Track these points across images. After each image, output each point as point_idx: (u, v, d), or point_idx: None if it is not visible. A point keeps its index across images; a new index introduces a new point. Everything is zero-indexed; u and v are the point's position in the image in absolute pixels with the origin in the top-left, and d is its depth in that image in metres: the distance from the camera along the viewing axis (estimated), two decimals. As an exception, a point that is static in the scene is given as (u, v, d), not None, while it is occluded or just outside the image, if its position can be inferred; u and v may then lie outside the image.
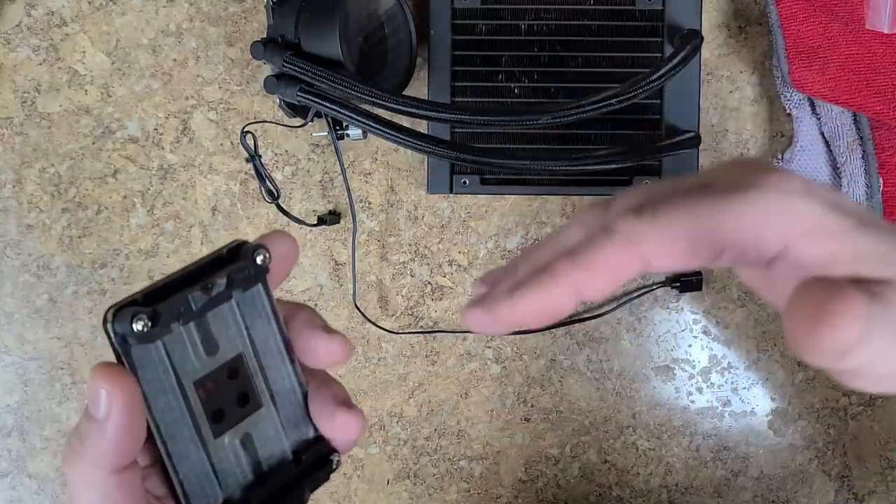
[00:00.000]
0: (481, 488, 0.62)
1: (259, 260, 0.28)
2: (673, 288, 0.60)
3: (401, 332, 0.61)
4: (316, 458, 0.30)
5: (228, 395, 0.28)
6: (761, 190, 0.26)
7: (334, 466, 0.30)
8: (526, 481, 0.61)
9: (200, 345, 0.27)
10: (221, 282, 0.27)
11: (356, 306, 0.60)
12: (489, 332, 0.27)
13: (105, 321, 0.26)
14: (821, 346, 0.24)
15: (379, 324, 0.60)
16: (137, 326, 0.25)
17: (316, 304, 0.61)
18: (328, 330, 0.30)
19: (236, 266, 0.27)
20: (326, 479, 0.30)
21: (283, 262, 0.29)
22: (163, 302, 0.26)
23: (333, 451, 0.30)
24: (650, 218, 0.26)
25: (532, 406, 0.61)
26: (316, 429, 0.30)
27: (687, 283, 0.59)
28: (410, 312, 0.61)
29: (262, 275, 0.28)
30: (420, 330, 0.61)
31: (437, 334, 0.61)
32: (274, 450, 0.29)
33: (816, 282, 0.25)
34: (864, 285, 0.25)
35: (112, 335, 0.26)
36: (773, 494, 0.61)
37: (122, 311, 0.25)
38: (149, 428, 0.27)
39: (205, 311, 0.27)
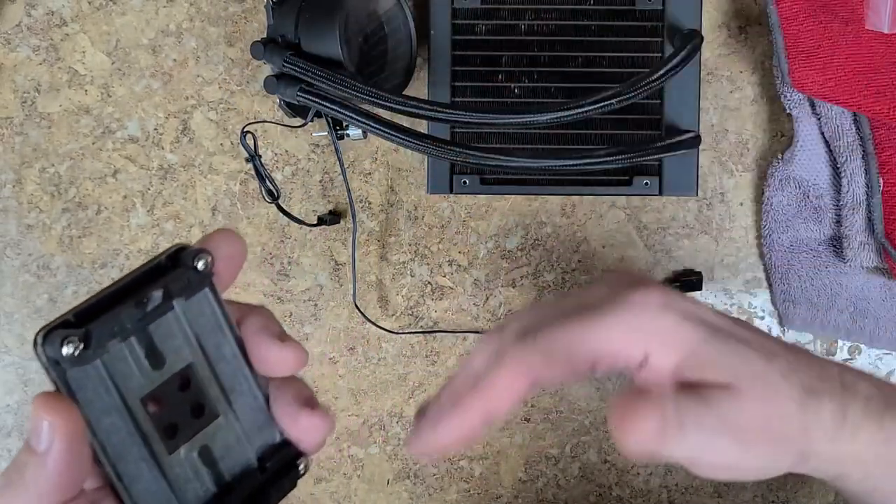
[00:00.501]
0: (481, 488, 0.62)
1: (200, 266, 0.26)
2: (674, 288, 0.60)
3: (401, 332, 0.61)
4: (282, 464, 0.29)
5: (181, 407, 0.27)
6: (625, 307, 0.31)
7: (301, 472, 0.29)
8: (526, 481, 0.61)
9: (145, 359, 0.26)
10: (157, 294, 0.25)
11: (356, 306, 0.60)
12: (428, 457, 0.32)
13: (35, 344, 0.24)
14: (622, 441, 0.29)
15: (379, 324, 0.60)
16: (68, 350, 0.24)
17: (316, 304, 0.61)
18: (281, 337, 0.29)
19: (174, 275, 0.26)
20: (293, 485, 0.29)
21: (230, 263, 0.28)
22: (95, 320, 0.24)
23: (300, 454, 0.29)
24: (532, 343, 0.30)
25: (532, 406, 0.61)
26: (281, 432, 0.29)
27: (687, 282, 0.59)
28: (410, 312, 0.61)
29: (206, 280, 0.26)
30: (420, 330, 0.61)
31: (437, 334, 0.61)
32: (237, 459, 0.28)
33: (635, 388, 0.30)
34: (692, 389, 0.30)
35: (44, 360, 0.24)
36: (772, 494, 0.61)
37: (52, 333, 0.24)
38: (95, 451, 0.25)
39: (143, 325, 0.25)
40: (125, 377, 0.25)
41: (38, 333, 0.24)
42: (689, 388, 0.31)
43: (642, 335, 0.31)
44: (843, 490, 0.36)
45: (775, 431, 0.31)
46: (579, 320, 0.31)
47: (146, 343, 0.26)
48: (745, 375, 0.31)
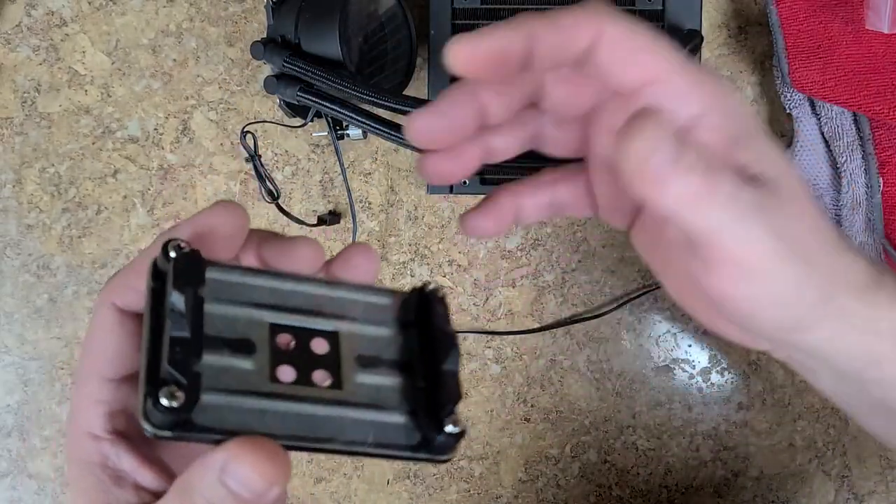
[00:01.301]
0: (481, 488, 0.62)
1: (172, 254, 0.25)
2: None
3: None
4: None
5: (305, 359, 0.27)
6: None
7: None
8: (526, 481, 0.61)
9: (232, 345, 0.26)
10: (175, 299, 0.24)
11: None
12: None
13: (148, 424, 0.23)
14: (658, 191, 0.24)
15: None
16: (170, 402, 0.23)
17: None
18: (290, 239, 0.29)
19: (171, 273, 0.25)
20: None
21: (224, 232, 0.28)
22: (175, 368, 0.24)
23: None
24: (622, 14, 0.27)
25: (532, 406, 0.61)
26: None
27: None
28: (410, 312, 0.61)
29: (196, 263, 0.25)
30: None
31: (437, 334, 0.61)
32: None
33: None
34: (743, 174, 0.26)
35: (156, 424, 0.23)
36: (773, 494, 0.61)
37: (154, 409, 0.23)
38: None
39: (197, 332, 0.25)
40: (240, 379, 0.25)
41: (142, 417, 0.23)
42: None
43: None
44: (876, 382, 0.29)
45: (812, 248, 0.26)
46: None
47: (221, 337, 0.26)
48: (785, 176, 0.27)
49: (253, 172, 0.58)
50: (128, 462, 0.27)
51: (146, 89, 0.60)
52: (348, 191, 0.57)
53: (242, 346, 0.26)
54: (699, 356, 0.60)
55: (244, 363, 0.26)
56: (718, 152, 0.27)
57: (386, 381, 0.28)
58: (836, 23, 0.54)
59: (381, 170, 0.60)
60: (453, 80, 0.56)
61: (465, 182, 0.57)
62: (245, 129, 0.56)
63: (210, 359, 0.25)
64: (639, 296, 0.60)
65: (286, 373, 0.26)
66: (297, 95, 0.51)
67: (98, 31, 0.60)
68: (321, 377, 0.27)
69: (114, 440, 0.27)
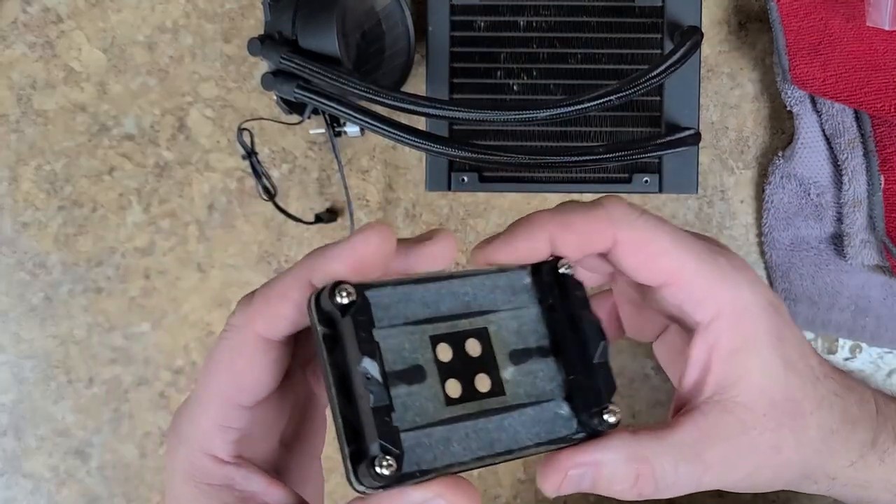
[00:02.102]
0: (480, 488, 0.61)
1: (344, 300, 0.25)
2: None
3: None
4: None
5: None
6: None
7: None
8: (525, 481, 0.61)
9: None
10: (368, 366, 0.24)
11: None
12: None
13: (359, 485, 0.24)
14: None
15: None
16: (389, 472, 0.24)
17: (313, 303, 0.61)
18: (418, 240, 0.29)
19: (353, 335, 0.25)
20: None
21: (378, 262, 0.27)
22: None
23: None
24: (639, 213, 0.29)
25: (531, 405, 0.61)
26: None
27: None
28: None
29: (366, 310, 0.25)
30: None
31: (435, 333, 0.60)
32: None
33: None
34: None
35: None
36: (773, 494, 0.60)
37: (368, 474, 0.24)
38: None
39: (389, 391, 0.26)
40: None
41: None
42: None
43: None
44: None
45: (784, 459, 0.30)
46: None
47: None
48: (761, 403, 0.29)
49: (250, 170, 0.58)
50: (258, 484, 0.28)
51: (142, 86, 0.60)
52: (346, 188, 0.57)
53: (416, 375, 0.26)
54: (699, 355, 0.60)
55: (421, 392, 0.26)
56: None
57: (539, 369, 0.28)
58: (836, 19, 0.53)
59: (379, 167, 0.59)
60: (452, 77, 0.56)
61: (463, 180, 0.56)
62: (242, 127, 0.56)
63: (395, 398, 0.25)
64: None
65: (453, 388, 0.27)
66: (295, 92, 0.51)
67: (94, 27, 0.59)
68: (482, 383, 0.27)
69: (239, 464, 0.28)
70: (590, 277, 0.33)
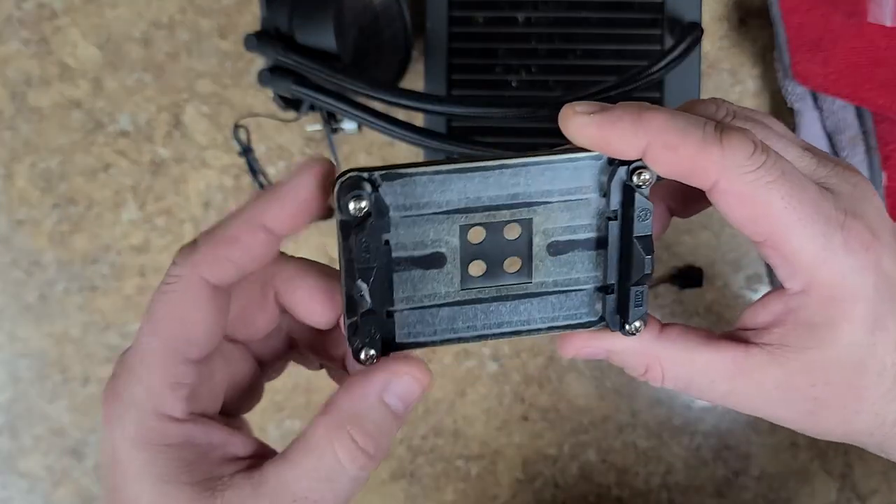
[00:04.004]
0: (478, 488, 0.61)
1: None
2: (673, 285, 0.59)
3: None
4: None
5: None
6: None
7: None
8: (524, 481, 0.61)
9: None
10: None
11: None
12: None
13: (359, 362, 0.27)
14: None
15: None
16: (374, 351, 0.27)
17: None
18: None
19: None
20: None
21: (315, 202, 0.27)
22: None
23: None
24: (763, 159, 0.26)
25: (530, 405, 0.60)
26: None
27: (687, 279, 0.59)
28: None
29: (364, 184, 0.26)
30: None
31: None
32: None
33: None
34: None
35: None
36: (774, 494, 0.60)
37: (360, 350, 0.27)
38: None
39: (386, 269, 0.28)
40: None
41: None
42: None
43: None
44: None
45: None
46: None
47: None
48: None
49: (246, 167, 0.57)
50: (218, 436, 0.27)
51: (138, 83, 0.59)
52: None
53: (434, 262, 0.28)
54: (699, 354, 0.60)
55: (436, 277, 0.28)
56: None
57: (577, 261, 0.29)
58: (838, 16, 0.53)
59: (377, 163, 0.59)
60: (450, 74, 0.56)
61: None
62: (238, 124, 0.56)
63: (403, 278, 0.27)
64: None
65: (476, 268, 0.28)
66: (291, 88, 0.50)
67: (89, 23, 0.59)
68: (511, 264, 0.28)
69: (195, 419, 0.27)
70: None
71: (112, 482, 0.26)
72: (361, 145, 0.59)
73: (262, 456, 0.28)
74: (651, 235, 0.27)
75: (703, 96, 0.57)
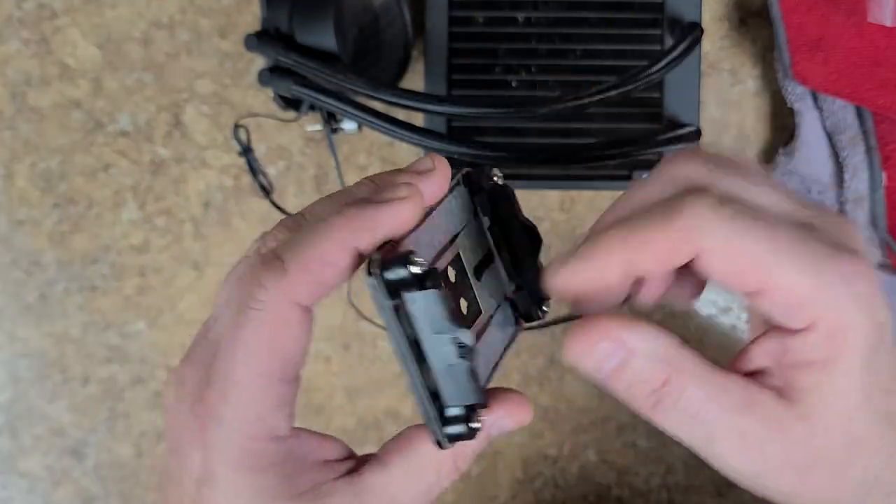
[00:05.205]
0: (478, 488, 0.61)
1: (417, 269, 0.25)
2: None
3: (396, 329, 0.60)
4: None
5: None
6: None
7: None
8: (523, 481, 0.61)
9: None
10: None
11: (351, 303, 0.59)
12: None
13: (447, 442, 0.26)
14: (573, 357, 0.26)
15: (374, 321, 0.59)
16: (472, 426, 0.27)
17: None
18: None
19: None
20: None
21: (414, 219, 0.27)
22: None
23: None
24: (729, 215, 0.25)
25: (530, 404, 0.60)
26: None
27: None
28: (406, 309, 0.60)
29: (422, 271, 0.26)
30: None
31: (433, 331, 0.60)
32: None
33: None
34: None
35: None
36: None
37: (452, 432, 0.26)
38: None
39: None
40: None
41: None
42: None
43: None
44: None
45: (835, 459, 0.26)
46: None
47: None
48: (831, 404, 0.26)
49: (246, 167, 0.57)
50: (311, 443, 0.27)
51: (138, 83, 0.59)
52: (342, 185, 0.56)
53: (465, 317, 0.28)
54: (699, 354, 0.59)
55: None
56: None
57: (492, 278, 0.29)
58: (838, 16, 0.53)
59: (377, 164, 0.59)
60: (450, 74, 0.56)
61: (461, 177, 0.56)
62: (238, 124, 0.56)
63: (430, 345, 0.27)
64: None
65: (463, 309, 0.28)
66: (292, 88, 0.50)
67: (89, 23, 0.59)
68: (464, 304, 0.28)
69: (294, 433, 0.27)
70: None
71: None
72: (361, 145, 0.59)
73: (349, 457, 0.28)
74: (521, 217, 0.28)
75: (703, 96, 0.57)
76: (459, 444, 0.26)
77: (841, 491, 0.27)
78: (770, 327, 0.27)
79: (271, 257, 0.25)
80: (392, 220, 0.25)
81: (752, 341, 0.27)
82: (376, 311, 0.27)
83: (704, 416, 0.25)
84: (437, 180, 0.27)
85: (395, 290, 0.24)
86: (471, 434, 0.26)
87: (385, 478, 0.27)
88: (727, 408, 0.25)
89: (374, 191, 0.27)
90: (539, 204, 0.59)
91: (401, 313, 0.24)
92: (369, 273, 0.24)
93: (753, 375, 0.27)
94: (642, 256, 0.25)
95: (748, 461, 0.26)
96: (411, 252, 0.24)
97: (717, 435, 0.25)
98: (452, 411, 0.26)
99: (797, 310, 0.25)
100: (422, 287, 0.24)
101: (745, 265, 0.25)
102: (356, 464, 0.28)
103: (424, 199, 0.26)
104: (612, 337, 0.25)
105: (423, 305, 0.24)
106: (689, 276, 0.29)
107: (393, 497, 0.27)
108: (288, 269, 0.25)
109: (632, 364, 0.26)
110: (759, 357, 0.27)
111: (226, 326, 0.25)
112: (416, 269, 0.24)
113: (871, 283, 0.26)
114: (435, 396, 0.26)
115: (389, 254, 0.24)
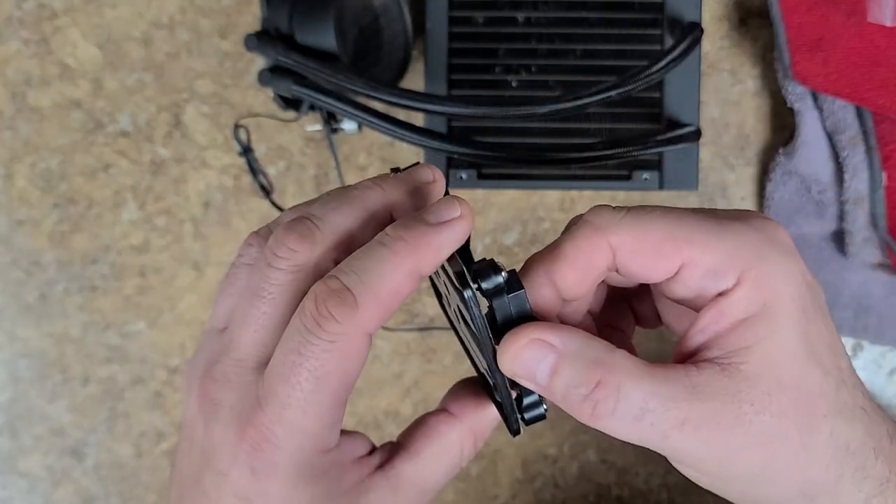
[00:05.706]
0: (478, 488, 0.61)
1: (501, 278, 0.26)
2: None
3: (396, 328, 0.60)
4: None
5: None
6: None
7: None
8: (523, 481, 0.61)
9: None
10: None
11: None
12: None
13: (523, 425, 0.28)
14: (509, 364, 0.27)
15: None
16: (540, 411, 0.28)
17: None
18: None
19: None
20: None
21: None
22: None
23: None
24: (625, 211, 0.27)
25: (530, 404, 0.60)
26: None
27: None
28: (406, 309, 0.60)
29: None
30: (416, 327, 0.60)
31: (433, 331, 0.60)
32: None
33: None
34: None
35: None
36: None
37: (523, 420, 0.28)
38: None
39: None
40: None
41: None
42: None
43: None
44: None
45: (778, 461, 0.25)
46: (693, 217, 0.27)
47: None
48: (773, 369, 0.25)
49: (246, 167, 0.57)
50: (348, 445, 0.28)
51: (138, 83, 0.59)
52: (343, 185, 0.56)
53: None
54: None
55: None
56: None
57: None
58: (837, 16, 0.53)
59: (377, 164, 0.59)
60: (450, 74, 0.56)
61: (461, 177, 0.56)
62: (238, 124, 0.56)
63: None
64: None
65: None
66: (292, 88, 0.50)
67: (89, 23, 0.59)
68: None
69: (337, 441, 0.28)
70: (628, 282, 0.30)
71: None
72: (362, 145, 0.59)
73: (374, 450, 0.29)
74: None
75: (704, 96, 0.57)
76: (485, 424, 0.30)
77: (815, 465, 0.25)
78: (702, 309, 0.26)
79: (341, 289, 0.25)
80: (453, 240, 0.27)
81: (692, 325, 0.27)
82: (460, 319, 0.29)
83: (650, 415, 0.25)
84: (439, 191, 0.30)
85: (489, 297, 0.26)
86: (544, 415, 0.28)
87: (417, 466, 0.29)
88: (670, 398, 0.25)
89: (395, 199, 0.29)
90: (539, 204, 0.59)
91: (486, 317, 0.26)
92: (462, 286, 0.25)
93: (695, 356, 0.26)
94: (566, 273, 0.27)
95: (708, 446, 0.25)
96: (493, 260, 0.25)
97: (667, 428, 0.25)
98: (531, 398, 0.28)
99: (723, 268, 0.25)
100: (509, 291, 0.26)
101: (660, 244, 0.26)
102: (383, 456, 0.29)
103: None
104: (539, 339, 0.26)
105: (512, 306, 0.26)
106: (645, 299, 0.31)
107: (425, 482, 0.29)
108: (360, 303, 0.25)
109: (563, 369, 0.25)
110: (697, 336, 0.26)
111: (285, 353, 0.26)
112: (505, 275, 0.25)
113: (788, 237, 0.26)
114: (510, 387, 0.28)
115: (482, 265, 0.26)
